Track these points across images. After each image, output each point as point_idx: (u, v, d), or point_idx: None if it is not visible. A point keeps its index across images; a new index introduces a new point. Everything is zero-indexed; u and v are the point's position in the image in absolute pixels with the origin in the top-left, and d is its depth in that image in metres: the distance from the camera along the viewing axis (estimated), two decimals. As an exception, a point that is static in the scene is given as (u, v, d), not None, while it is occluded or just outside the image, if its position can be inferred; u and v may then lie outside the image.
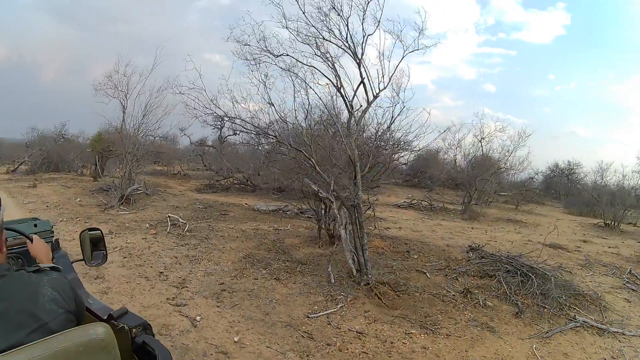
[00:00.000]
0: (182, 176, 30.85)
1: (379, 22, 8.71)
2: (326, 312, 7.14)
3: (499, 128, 25.00)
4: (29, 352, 1.40)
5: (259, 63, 9.28)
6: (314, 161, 8.92)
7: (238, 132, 36.51)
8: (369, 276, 8.41)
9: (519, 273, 9.18)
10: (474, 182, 23.56)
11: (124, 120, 18.19)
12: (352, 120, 9.23)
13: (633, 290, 10.16)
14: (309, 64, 9.30)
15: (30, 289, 1.65)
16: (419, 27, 8.85)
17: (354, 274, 8.61)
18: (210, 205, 17.89)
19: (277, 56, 9.21)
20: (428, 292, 8.37)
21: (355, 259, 8.75)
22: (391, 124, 9.79)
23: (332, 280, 8.45)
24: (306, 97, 9.62)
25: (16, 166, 29.98)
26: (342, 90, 9.08)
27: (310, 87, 9.50)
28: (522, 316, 7.62)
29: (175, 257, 9.86)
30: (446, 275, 9.67)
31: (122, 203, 16.31)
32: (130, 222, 13.53)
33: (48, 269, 1.89)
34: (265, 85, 9.30)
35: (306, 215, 15.87)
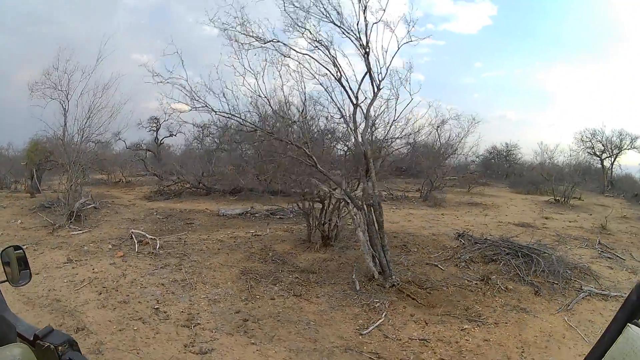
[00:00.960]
0: (124, 184, 28.69)
1: (384, 10, 8.50)
2: (375, 324, 6.77)
3: (453, 116, 25.57)
4: None
5: (248, 49, 8.86)
6: (315, 159, 8.69)
7: (175, 134, 35.45)
8: (393, 277, 8.19)
9: (519, 254, 9.58)
10: (434, 169, 23.25)
11: (65, 124, 15.94)
12: (357, 113, 8.89)
13: (609, 258, 11.36)
14: (304, 52, 8.99)
15: None
16: (409, 19, 8.80)
17: (376, 276, 8.30)
18: (169, 214, 16.31)
19: (267, 42, 8.85)
20: (452, 284, 8.49)
21: (377, 261, 8.40)
22: (398, 116, 9.54)
23: (358, 287, 8.11)
24: (301, 90, 9.53)
25: None
26: (342, 81, 8.75)
27: (310, 79, 9.23)
28: (540, 294, 8.14)
29: (163, 285, 8.54)
30: (456, 265, 9.75)
31: (71, 221, 14.32)
32: (87, 244, 11.79)
33: None
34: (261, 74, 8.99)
35: (277, 216, 15.54)
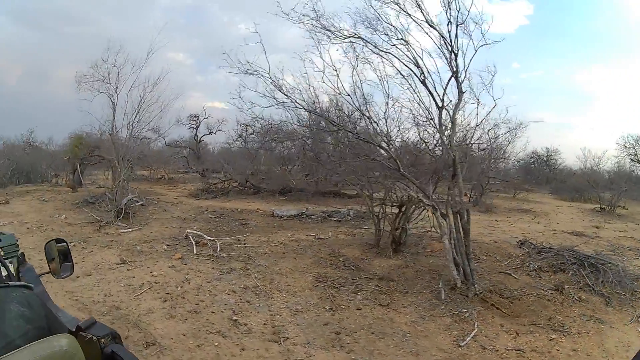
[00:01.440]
0: (167, 181, 27.90)
1: (468, 12, 7.96)
2: (471, 335, 6.41)
3: (503, 119, 23.83)
4: None
5: (331, 44, 8.60)
6: (399, 163, 8.30)
7: (214, 132, 34.88)
8: (475, 286, 7.81)
9: (585, 264, 9.25)
10: (486, 173, 22.34)
11: (114, 119, 15.11)
12: (443, 116, 8.46)
13: (667, 270, 10.47)
14: (386, 50, 8.43)
15: None
16: (480, 22, 8.04)
17: (458, 285, 7.90)
18: (221, 213, 15.41)
19: (346, 38, 8.43)
20: (529, 294, 8.12)
21: (460, 269, 8.02)
22: (481, 121, 8.91)
23: (443, 297, 7.67)
24: (384, 90, 8.85)
25: None
26: (427, 82, 8.29)
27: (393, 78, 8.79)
28: (611, 305, 7.81)
29: (234, 292, 7.73)
30: (528, 274, 9.33)
31: (120, 218, 13.42)
32: (139, 244, 10.88)
33: (17, 285, 1.87)
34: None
35: (335, 218, 14.75)
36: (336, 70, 8.57)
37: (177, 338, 5.86)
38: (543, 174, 39.49)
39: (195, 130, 34.23)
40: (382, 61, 8.67)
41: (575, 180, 30.79)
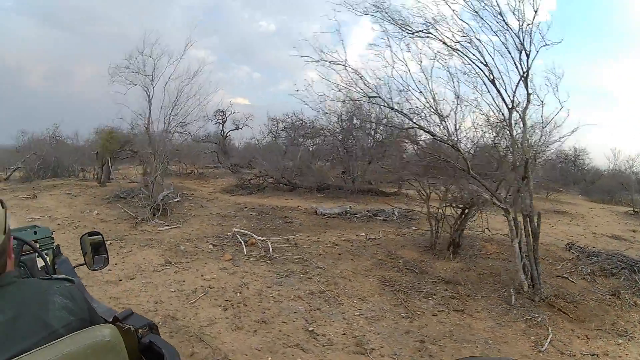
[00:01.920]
0: (197, 176, 27.29)
1: (535, 12, 7.67)
2: (548, 340, 6.16)
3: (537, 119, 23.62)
4: (36, 357, 1.34)
5: (402, 38, 8.27)
6: (469, 164, 8.20)
7: (241, 127, 34.49)
8: (542, 291, 7.57)
9: (635, 269, 9.07)
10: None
11: (150, 112, 14.32)
12: (512, 118, 8.19)
13: None
14: (453, 47, 8.17)
15: (41, 296, 1.56)
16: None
17: (525, 289, 7.65)
18: (262, 211, 14.72)
19: (415, 32, 8.17)
20: (589, 299, 7.84)
21: (528, 273, 7.78)
22: (547, 124, 8.64)
23: (513, 301, 7.39)
24: (455, 88, 8.61)
25: (9, 173, 26.21)
26: (496, 82, 8.01)
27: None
28: None
29: (300, 298, 7.06)
30: (583, 278, 9.01)
31: (158, 215, 12.73)
32: (182, 243, 10.16)
33: (60, 278, 1.89)
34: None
35: (380, 218, 14.03)
36: (406, 65, 8.37)
37: (251, 354, 5.16)
38: (571, 175, 38.26)
39: (221, 125, 33.68)
40: (450, 58, 8.44)
41: (604, 181, 30.35)
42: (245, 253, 9.26)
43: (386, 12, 8.22)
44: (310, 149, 24.34)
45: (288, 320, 6.19)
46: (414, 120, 8.79)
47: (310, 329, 5.95)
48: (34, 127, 36.97)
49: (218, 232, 11.16)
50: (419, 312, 6.78)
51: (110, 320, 1.89)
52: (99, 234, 3.10)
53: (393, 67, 8.42)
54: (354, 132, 22.35)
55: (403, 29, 8.22)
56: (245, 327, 5.85)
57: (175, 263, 8.48)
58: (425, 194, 10.69)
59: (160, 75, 14.26)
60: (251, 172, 22.39)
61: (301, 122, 29.90)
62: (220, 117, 33.35)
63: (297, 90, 8.59)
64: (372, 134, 22.33)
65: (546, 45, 7.78)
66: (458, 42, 8.07)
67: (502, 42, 7.85)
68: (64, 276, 1.99)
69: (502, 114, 8.36)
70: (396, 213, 14.41)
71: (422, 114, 8.96)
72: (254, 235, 10.15)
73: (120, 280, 7.42)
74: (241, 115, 33.18)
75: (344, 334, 5.89)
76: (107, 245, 3.17)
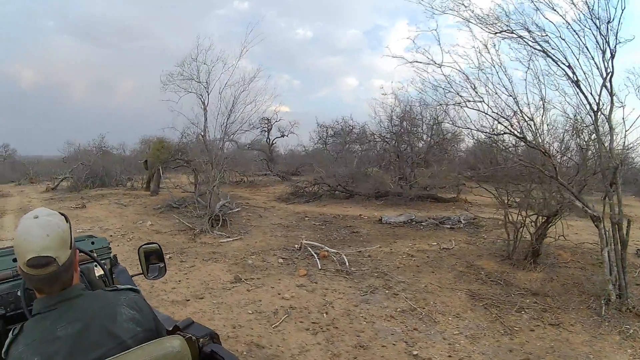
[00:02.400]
0: (247, 184, 26.87)
1: (622, 10, 7.10)
2: None
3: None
4: None
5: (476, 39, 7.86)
6: (557, 170, 7.81)
7: (287, 134, 34.14)
8: (629, 300, 7.18)
9: None
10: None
11: (205, 120, 13.81)
12: (599, 121, 7.68)
13: None
14: (537, 48, 7.75)
15: (108, 308, 1.68)
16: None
17: (612, 299, 7.22)
18: (325, 220, 14.03)
19: (497, 33, 7.80)
20: None
21: (617, 283, 7.35)
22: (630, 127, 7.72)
23: (603, 312, 6.98)
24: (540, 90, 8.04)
25: (57, 183, 26.45)
26: (580, 83, 7.51)
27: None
28: None
29: (393, 318, 6.48)
30: None
31: (218, 226, 12.16)
32: (248, 256, 9.54)
33: (126, 289, 1.89)
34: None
35: (447, 225, 13.37)
36: (494, 67, 7.93)
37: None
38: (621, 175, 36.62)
39: (267, 133, 33.34)
40: (532, 60, 7.95)
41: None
42: (319, 267, 8.59)
43: (472, 11, 7.86)
44: (360, 155, 23.65)
45: (387, 343, 5.61)
46: (505, 125, 8.31)
47: (414, 352, 5.43)
48: (79, 138, 38.17)
49: (284, 244, 10.56)
50: (516, 328, 6.34)
51: (171, 329, 2.02)
52: (155, 243, 3.17)
53: (480, 70, 7.97)
54: (405, 136, 21.66)
55: (486, 28, 7.87)
56: (343, 354, 5.24)
57: (246, 279, 7.84)
58: (502, 201, 10.10)
59: (215, 82, 13.80)
60: (305, 179, 21.68)
61: (350, 127, 29.35)
62: (266, 125, 33.01)
63: (385, 94, 8.05)
64: (425, 137, 21.64)
65: (619, 43, 7.27)
66: (536, 41, 7.70)
67: (582, 42, 7.40)
68: (130, 286, 1.97)
69: (589, 117, 7.91)
70: (462, 220, 13.65)
71: (510, 118, 8.48)
72: (327, 248, 9.46)
73: (188, 300, 6.84)
74: (286, 122, 32.79)
75: (450, 356, 5.44)
76: (165, 257, 3.27)
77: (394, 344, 5.56)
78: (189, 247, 10.44)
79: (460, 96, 8.06)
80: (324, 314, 6.36)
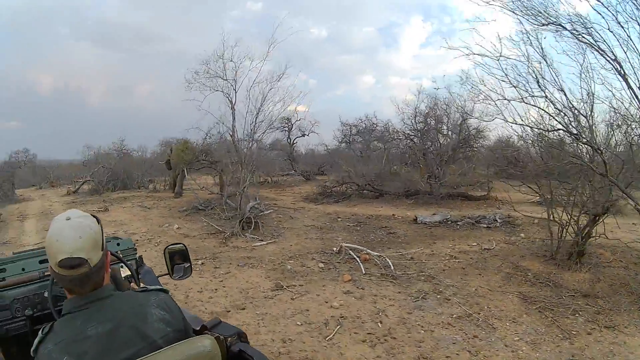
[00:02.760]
0: (271, 184, 26.63)
1: None
2: None
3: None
4: None
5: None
6: (607, 167, 7.62)
7: (307, 134, 33.89)
8: None
9: None
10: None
11: (234, 119, 13.48)
12: None
13: None
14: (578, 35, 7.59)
15: (139, 308, 1.71)
16: None
17: None
18: (359, 221, 13.69)
19: (545, 24, 7.66)
20: None
21: None
22: None
23: None
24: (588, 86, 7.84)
25: (77, 186, 26.47)
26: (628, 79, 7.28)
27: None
28: None
29: (451, 325, 6.17)
30: None
31: (250, 229, 11.86)
32: (286, 260, 9.20)
33: (155, 289, 1.91)
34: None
35: (483, 224, 13.11)
36: (544, 60, 7.88)
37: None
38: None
39: (288, 132, 33.09)
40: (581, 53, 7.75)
41: None
42: (363, 272, 8.22)
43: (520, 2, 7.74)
44: (388, 153, 23.33)
45: (450, 353, 5.34)
46: (559, 121, 8.24)
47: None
48: (98, 142, 38.67)
49: (321, 247, 10.22)
50: (573, 332, 6.10)
51: (198, 328, 2.05)
52: (181, 244, 3.13)
53: (529, 63, 7.86)
54: (431, 133, 21.34)
55: (536, 23, 7.76)
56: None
57: (287, 287, 7.50)
58: (545, 198, 9.87)
59: (243, 79, 13.47)
60: (333, 178, 21.36)
61: (375, 125, 29.05)
62: (286, 125, 32.80)
63: (437, 88, 7.86)
64: (450, 134, 21.26)
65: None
66: (582, 34, 7.52)
67: (627, 34, 7.20)
68: (159, 287, 1.97)
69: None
70: (498, 219, 13.33)
71: (562, 113, 8.35)
72: (369, 251, 9.07)
73: (229, 312, 6.51)
74: (306, 121, 32.59)
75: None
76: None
77: (457, 354, 5.32)
78: (221, 251, 10.13)
79: (524, 90, 7.86)
80: (379, 323, 6.03)
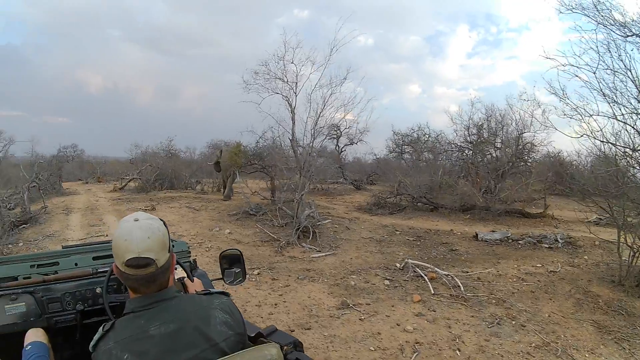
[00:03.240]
0: (321, 192, 26.33)
1: None
2: None
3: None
4: None
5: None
6: None
7: (356, 142, 33.64)
8: None
9: None
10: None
11: (294, 123, 13.28)
12: None
13: None
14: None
15: (202, 311, 1.75)
16: None
17: None
18: (417, 235, 13.32)
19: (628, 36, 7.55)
20: None
21: None
22: None
23: None
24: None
25: (124, 183, 26.92)
26: None
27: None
28: None
29: (530, 355, 5.83)
30: None
31: (309, 238, 11.63)
32: (347, 275, 8.90)
33: (218, 292, 1.97)
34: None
35: (545, 244, 12.50)
36: (629, 71, 7.63)
37: None
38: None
39: (336, 140, 32.86)
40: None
41: None
42: (432, 292, 7.89)
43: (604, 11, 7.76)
44: (443, 165, 22.93)
45: None
46: None
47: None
48: (145, 141, 39.66)
49: (382, 262, 9.91)
50: None
51: (253, 335, 2.10)
52: (237, 250, 3.17)
53: (614, 72, 7.71)
54: (485, 146, 20.90)
55: (618, 32, 7.70)
56: None
57: (354, 305, 7.19)
58: (616, 219, 9.34)
59: (304, 82, 13.28)
60: (386, 189, 21.04)
61: (427, 135, 28.74)
62: (335, 132, 32.65)
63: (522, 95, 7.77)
64: (504, 148, 20.77)
65: None
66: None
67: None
68: (221, 290, 2.02)
69: None
70: (560, 239, 12.76)
71: None
72: (437, 269, 8.75)
73: (293, 331, 6.23)
74: (355, 129, 32.46)
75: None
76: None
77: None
78: (277, 261, 9.93)
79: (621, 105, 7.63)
80: (457, 351, 5.73)
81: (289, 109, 13.25)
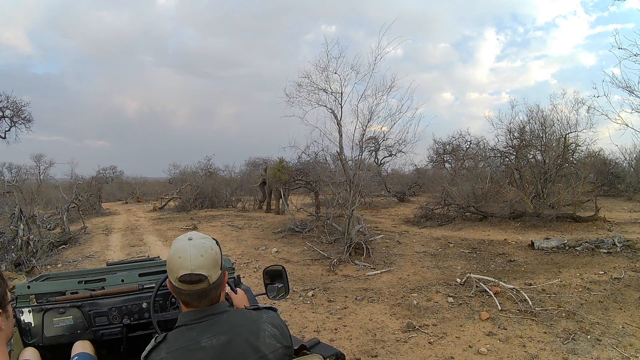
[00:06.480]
0: (365, 205, 25.86)
1: None
2: None
3: None
4: None
5: None
6: None
7: (395, 154, 33.49)
8: None
9: None
10: None
11: (341, 136, 13.10)
12: None
13: None
14: None
15: (252, 324, 1.85)
16: None
17: None
18: (472, 246, 13.12)
19: None
20: None
21: None
22: None
23: None
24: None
25: (164, 203, 27.56)
26: None
27: None
28: None
29: None
30: None
31: (361, 254, 11.42)
32: (408, 294, 8.67)
33: (266, 307, 2.04)
34: None
35: (603, 250, 12.23)
36: None
37: None
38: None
39: (375, 153, 32.78)
40: None
41: None
42: (499, 308, 7.64)
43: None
44: (491, 172, 22.61)
45: None
46: None
47: None
48: (183, 161, 40.91)
49: (441, 277, 9.72)
50: None
51: (297, 347, 2.14)
52: (280, 266, 3.22)
53: None
54: (529, 150, 20.58)
55: None
56: None
57: (420, 327, 6.97)
58: None
59: (350, 93, 13.15)
60: (433, 200, 20.80)
61: (469, 143, 28.49)
62: (373, 145, 32.59)
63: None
64: (551, 150, 20.36)
65: None
66: None
67: None
68: (269, 305, 2.09)
69: None
70: (618, 243, 12.45)
71: None
72: (502, 283, 8.53)
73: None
74: (393, 141, 32.35)
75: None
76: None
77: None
78: (331, 281, 9.80)
79: None
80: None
81: (335, 121, 13.05)
